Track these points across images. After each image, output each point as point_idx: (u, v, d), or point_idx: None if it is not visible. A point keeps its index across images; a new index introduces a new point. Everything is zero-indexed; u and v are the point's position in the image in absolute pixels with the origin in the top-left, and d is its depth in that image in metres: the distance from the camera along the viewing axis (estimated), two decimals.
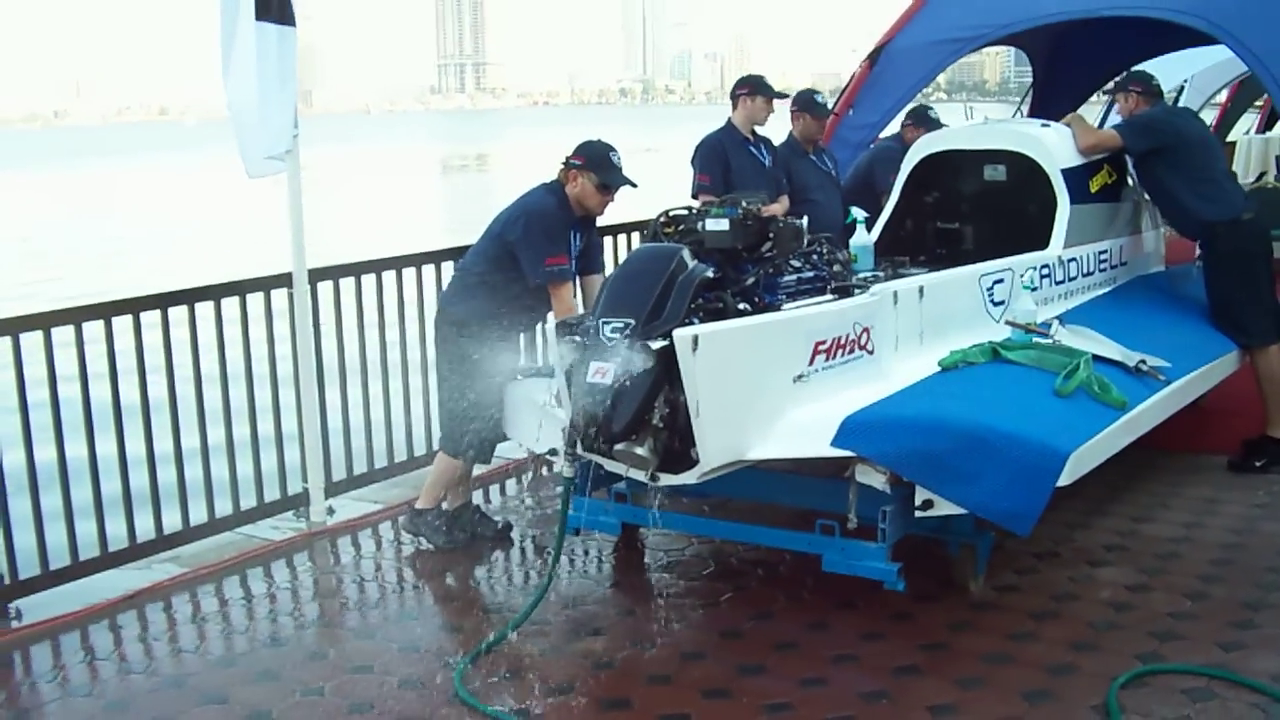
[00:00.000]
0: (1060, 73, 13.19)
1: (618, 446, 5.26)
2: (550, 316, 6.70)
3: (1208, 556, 6.38)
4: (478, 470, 7.16)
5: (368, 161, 71.37)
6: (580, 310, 6.42)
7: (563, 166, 6.54)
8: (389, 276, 7.75)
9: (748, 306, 5.58)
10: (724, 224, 5.71)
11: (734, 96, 8.80)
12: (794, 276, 5.98)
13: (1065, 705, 4.91)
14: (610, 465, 5.60)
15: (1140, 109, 8.36)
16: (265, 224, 37.72)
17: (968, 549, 5.96)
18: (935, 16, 11.05)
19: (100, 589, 6.30)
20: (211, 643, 5.77)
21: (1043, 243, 7.64)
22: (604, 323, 5.27)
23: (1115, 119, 11.10)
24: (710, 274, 5.44)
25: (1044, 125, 8.47)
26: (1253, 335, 7.60)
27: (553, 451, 6.45)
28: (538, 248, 6.35)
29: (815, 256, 6.19)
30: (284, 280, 7.14)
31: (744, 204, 5.81)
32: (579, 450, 5.50)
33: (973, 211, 8.27)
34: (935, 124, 9.84)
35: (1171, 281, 8.65)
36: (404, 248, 8.18)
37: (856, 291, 6.03)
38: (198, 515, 6.86)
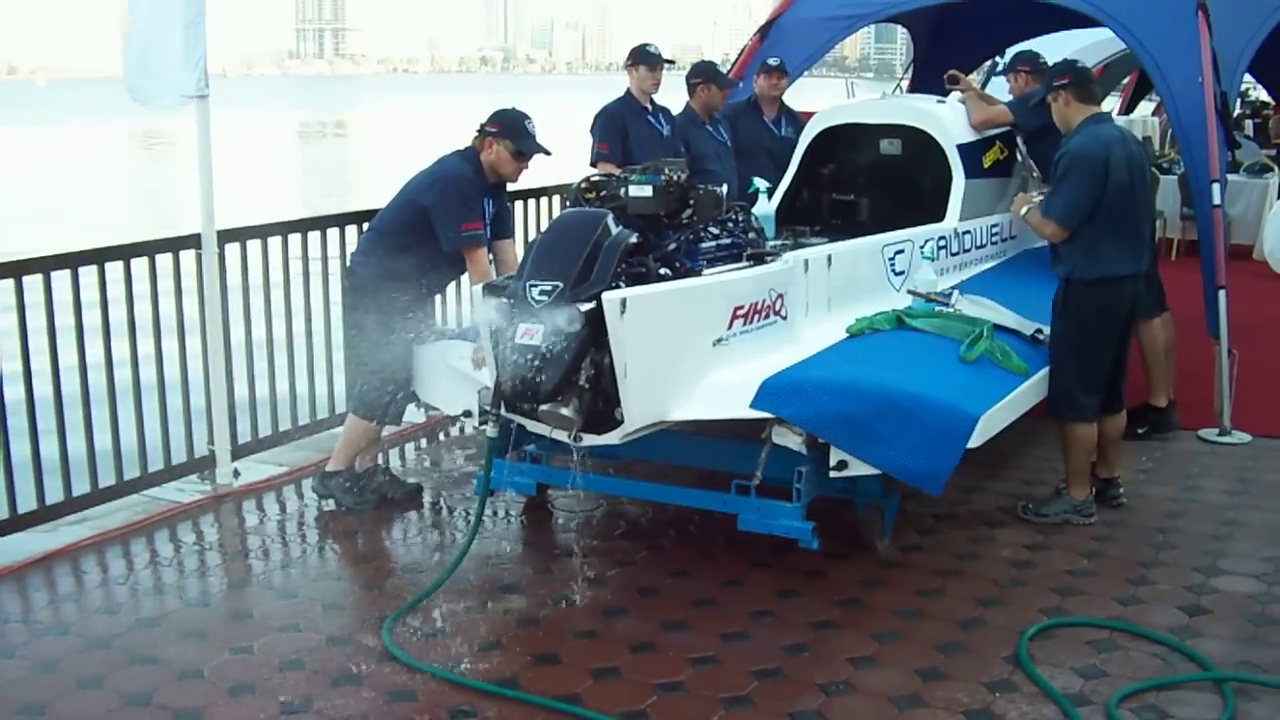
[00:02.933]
0: (941, 51, 13.47)
1: (543, 407, 5.36)
2: (463, 280, 6.77)
3: (1100, 518, 6.64)
4: (384, 432, 7.18)
5: (225, 126, 70.13)
6: (494, 275, 6.49)
7: (477, 134, 6.60)
8: (295, 239, 7.72)
9: (669, 272, 5.69)
10: (648, 190, 5.81)
11: (626, 68, 8.91)
12: (712, 243, 6.10)
13: (978, 656, 5.13)
14: (533, 426, 5.68)
15: (1030, 87, 8.60)
16: (130, 190, 37.28)
17: (875, 510, 6.15)
18: None
19: (8, 551, 6.22)
20: (133, 604, 5.73)
21: (936, 216, 7.86)
22: (531, 285, 5.35)
23: (993, 89, 11.40)
24: (634, 239, 5.54)
25: (940, 101, 8.70)
26: (1138, 307, 7.85)
27: (466, 413, 6.54)
28: (454, 213, 6.40)
29: (731, 224, 6.32)
30: (193, 241, 7.10)
31: (665, 170, 5.92)
32: (502, 411, 5.58)
33: (868, 184, 8.48)
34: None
35: None
36: (266, 215, 8.11)
37: (770, 259, 6.18)
38: (105, 478, 6.81)
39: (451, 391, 6.61)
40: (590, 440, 5.55)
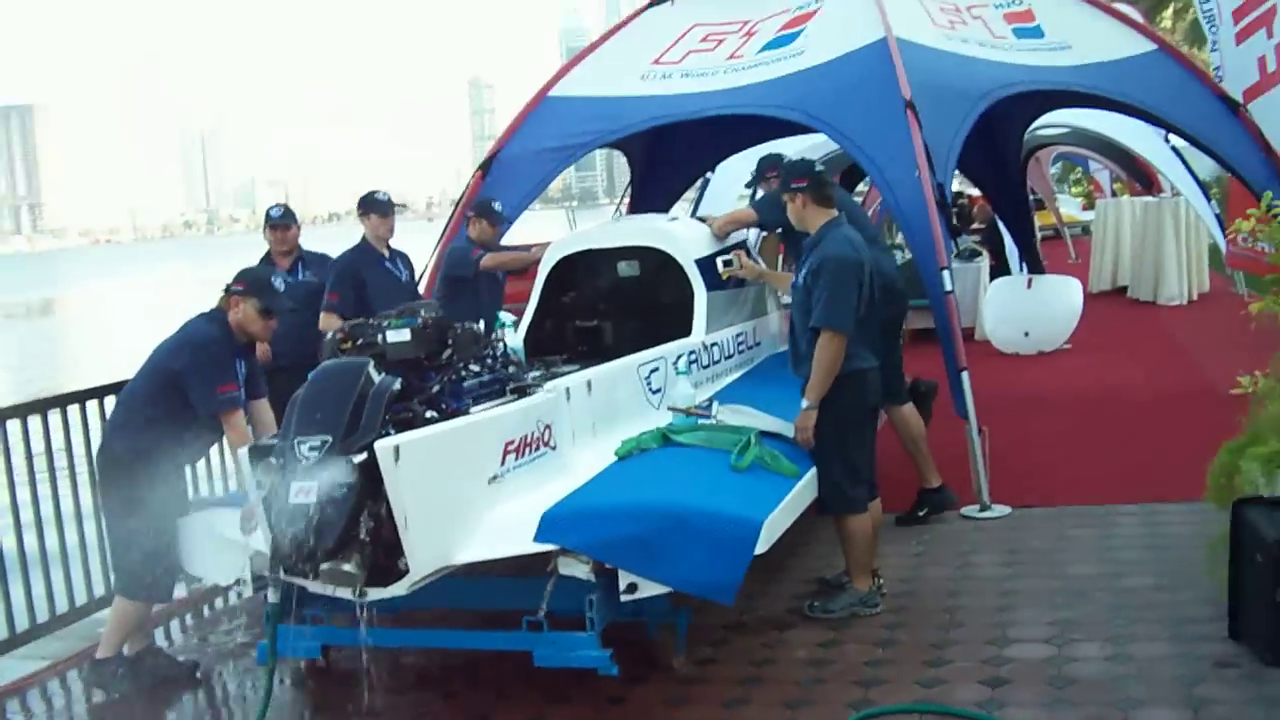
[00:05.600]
0: (658, 171, 13.79)
1: (324, 566, 5.19)
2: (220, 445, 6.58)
3: (885, 605, 6.74)
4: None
5: None
6: (252, 437, 6.33)
7: (223, 294, 6.48)
8: (34, 421, 7.39)
9: (435, 414, 5.61)
10: (406, 334, 5.75)
11: (358, 217, 8.91)
12: (475, 380, 6.05)
13: None
14: (314, 587, 5.49)
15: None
16: None
17: (667, 628, 6.12)
18: (544, 124, 11.42)
19: None
20: None
21: (680, 332, 7.95)
22: (300, 442, 5.21)
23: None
24: (398, 385, 5.46)
25: (672, 219, 8.87)
26: (889, 395, 7.98)
27: (239, 582, 6.32)
28: (207, 377, 6.24)
29: (490, 359, 6.28)
30: None
31: (421, 312, 5.88)
32: (281, 575, 5.40)
33: (610, 307, 8.55)
34: (498, 215, 9.85)
35: None
36: None
37: (532, 390, 6.16)
38: None
39: (221, 561, 6.38)
40: (375, 594, 5.40)
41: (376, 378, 5.43)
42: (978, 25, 11.07)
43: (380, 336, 5.82)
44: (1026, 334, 15.21)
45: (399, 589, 5.36)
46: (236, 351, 6.45)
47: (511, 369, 6.32)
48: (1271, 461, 6.01)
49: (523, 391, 6.13)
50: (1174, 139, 19.66)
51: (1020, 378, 13.14)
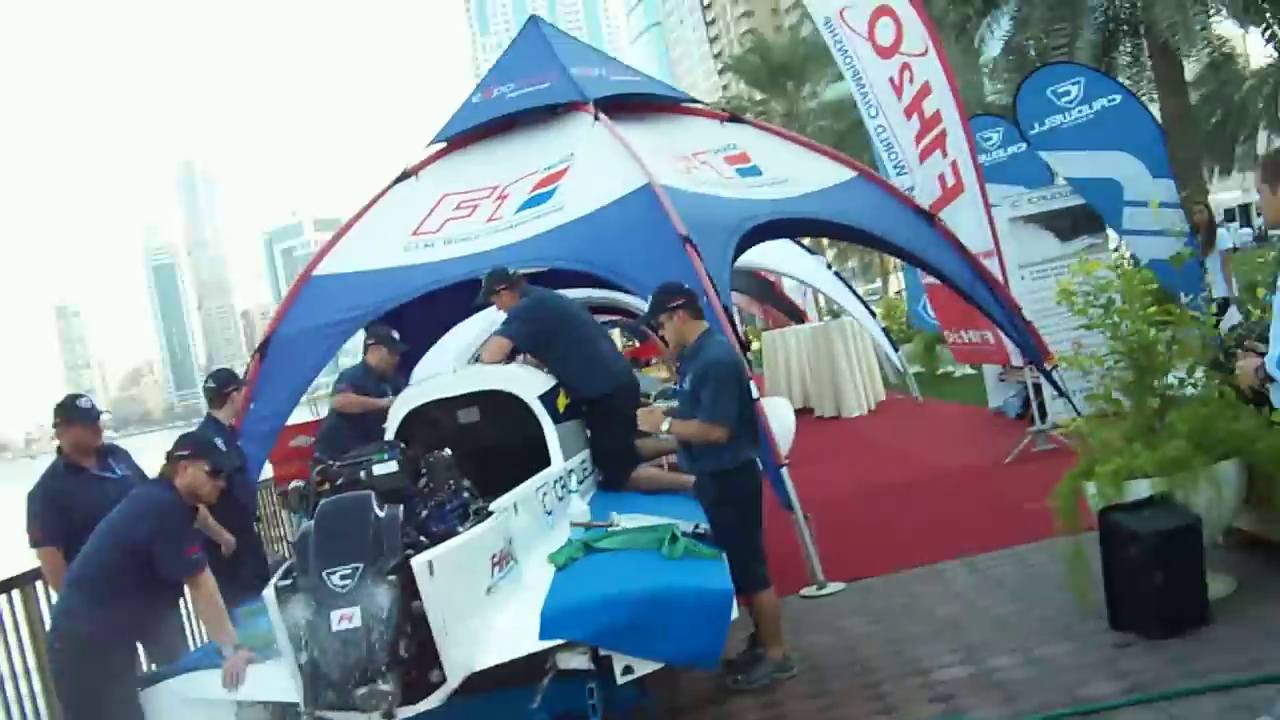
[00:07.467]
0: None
1: (360, 690, 5.50)
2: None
3: (796, 669, 7.45)
4: None
5: None
6: (218, 599, 6.56)
7: (167, 462, 6.71)
8: None
9: (425, 539, 6.03)
10: (393, 465, 6.20)
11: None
12: (447, 505, 6.50)
13: None
14: (339, 718, 5.76)
15: (513, 301, 9.50)
16: None
17: (641, 711, 6.65)
18: (315, 302, 11.72)
19: None
20: None
21: (523, 468, 8.45)
22: (329, 573, 5.56)
23: None
24: (400, 511, 5.89)
25: (508, 364, 9.43)
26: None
27: None
28: (175, 540, 6.46)
29: (450, 485, 6.72)
30: None
31: (400, 445, 6.32)
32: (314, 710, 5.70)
33: (457, 452, 8.97)
34: (395, 341, 10.54)
35: None
36: None
37: (491, 511, 6.63)
38: None
39: None
40: (404, 713, 5.69)
41: (381, 507, 5.86)
42: (706, 169, 12.12)
43: (363, 472, 6.23)
44: None
45: (433, 701, 5.71)
46: (189, 515, 6.70)
47: (466, 495, 6.77)
48: (1118, 474, 7.05)
49: (479, 513, 6.60)
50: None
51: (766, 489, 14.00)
